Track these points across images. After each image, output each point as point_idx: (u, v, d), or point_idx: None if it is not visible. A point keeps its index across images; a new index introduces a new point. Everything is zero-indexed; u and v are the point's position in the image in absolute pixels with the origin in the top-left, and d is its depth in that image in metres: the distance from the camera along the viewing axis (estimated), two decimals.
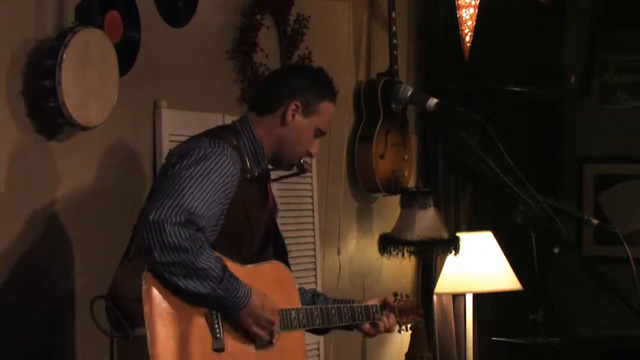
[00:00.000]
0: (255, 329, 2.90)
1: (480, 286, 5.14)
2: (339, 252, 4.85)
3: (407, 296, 3.51)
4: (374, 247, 4.95)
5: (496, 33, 5.09)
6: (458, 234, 5.05)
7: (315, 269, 4.59)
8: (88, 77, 3.19)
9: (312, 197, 4.60)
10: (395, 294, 3.47)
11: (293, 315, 3.06)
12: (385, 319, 3.34)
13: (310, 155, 3.12)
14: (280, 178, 3.39)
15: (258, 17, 4.17)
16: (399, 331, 3.44)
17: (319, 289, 4.55)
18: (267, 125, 3.05)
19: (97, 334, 2.88)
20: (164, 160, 3.04)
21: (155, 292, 2.75)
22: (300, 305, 3.14)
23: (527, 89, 5.36)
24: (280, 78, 3.13)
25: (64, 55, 3.08)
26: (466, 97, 5.19)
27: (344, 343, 4.76)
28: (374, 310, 3.34)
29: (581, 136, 6.64)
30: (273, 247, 3.16)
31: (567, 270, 6.21)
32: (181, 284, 2.74)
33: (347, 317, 3.26)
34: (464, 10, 5.08)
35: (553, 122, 6.51)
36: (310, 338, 4.28)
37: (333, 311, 3.22)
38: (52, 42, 3.12)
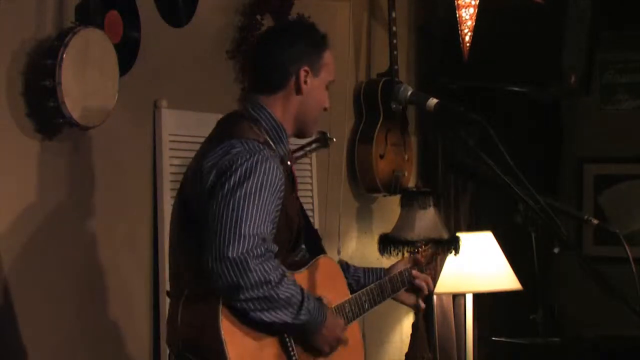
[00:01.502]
0: (327, 348, 2.87)
1: (480, 286, 5.14)
2: (339, 252, 4.85)
3: (425, 244, 3.50)
4: (374, 247, 4.95)
5: (496, 33, 5.09)
6: (458, 234, 5.05)
7: None
8: (88, 77, 3.19)
9: (312, 197, 4.60)
10: (416, 249, 3.45)
11: (347, 309, 3.03)
12: (421, 278, 3.30)
13: (325, 110, 3.00)
14: (305, 152, 3.28)
15: (258, 17, 4.18)
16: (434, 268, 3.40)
17: None
18: (284, 101, 2.90)
19: None
20: (192, 178, 2.81)
21: (234, 329, 2.67)
22: (349, 295, 3.10)
23: (527, 89, 5.36)
24: (276, 50, 2.91)
25: (64, 55, 3.08)
26: (466, 97, 5.19)
27: None
28: (407, 274, 3.30)
29: (581, 136, 6.64)
30: (306, 233, 3.06)
31: (567, 270, 6.21)
32: (265, 318, 2.68)
33: (388, 290, 3.22)
34: (463, 10, 5.08)
35: (553, 122, 6.51)
36: None
37: (376, 290, 3.18)
38: (52, 42, 3.13)
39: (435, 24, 5.39)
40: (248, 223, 2.63)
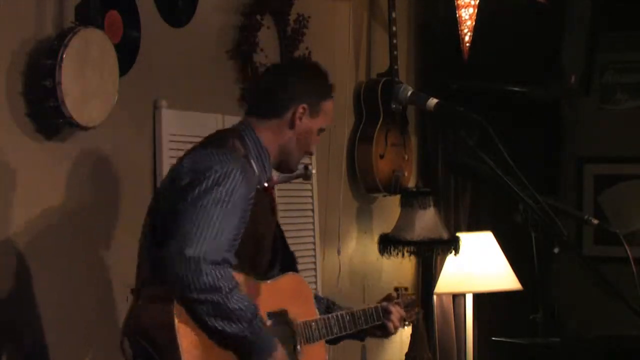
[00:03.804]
0: None
1: (480, 286, 5.14)
2: (339, 252, 4.85)
3: (406, 289, 3.52)
4: (374, 247, 4.95)
5: (496, 33, 5.09)
6: (458, 234, 5.05)
7: (315, 269, 4.59)
8: (88, 77, 3.19)
9: (312, 197, 4.60)
10: (397, 289, 3.48)
11: (313, 327, 3.06)
12: (395, 315, 3.34)
13: (309, 154, 3.08)
14: (284, 181, 3.35)
15: (258, 17, 4.18)
16: (404, 326, 3.45)
17: (319, 289, 4.56)
18: (274, 130, 2.96)
19: None
20: (169, 175, 2.90)
21: (188, 324, 2.69)
22: (318, 315, 3.13)
23: (527, 89, 5.36)
24: (282, 80, 3.00)
25: (64, 55, 3.08)
26: (466, 97, 5.19)
27: (344, 343, 4.76)
28: (382, 310, 3.34)
29: (581, 136, 6.64)
30: (282, 256, 3.11)
31: (567, 270, 6.21)
32: (210, 323, 2.69)
33: (360, 321, 3.26)
34: (463, 10, 5.08)
35: (553, 122, 6.51)
36: None
37: (348, 317, 3.22)
38: (52, 42, 3.12)
39: (435, 24, 5.39)
40: (211, 229, 2.68)
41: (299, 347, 2.98)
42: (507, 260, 5.20)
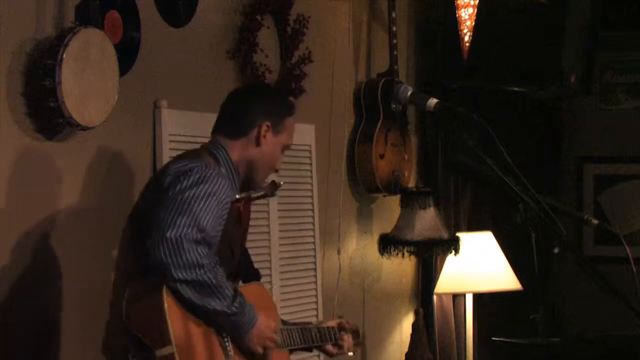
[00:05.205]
0: (260, 349, 2.98)
1: (480, 286, 5.14)
2: (339, 252, 4.85)
3: (347, 322, 3.62)
4: (374, 247, 4.95)
5: (496, 33, 5.09)
6: (458, 234, 5.05)
7: (315, 269, 4.60)
8: (88, 77, 3.19)
9: (312, 197, 4.60)
10: (341, 317, 3.60)
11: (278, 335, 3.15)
12: (346, 339, 3.48)
13: (275, 171, 3.21)
14: (252, 199, 3.41)
15: (258, 17, 4.17)
16: (349, 354, 3.58)
17: (319, 289, 4.56)
18: (241, 148, 3.11)
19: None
20: (152, 182, 3.05)
21: (177, 310, 2.79)
22: (282, 326, 3.26)
23: (527, 89, 5.36)
24: (247, 101, 3.17)
25: (64, 55, 3.08)
26: (466, 97, 5.19)
27: None
28: (334, 331, 3.47)
29: (581, 136, 6.64)
30: (246, 271, 3.24)
31: (567, 270, 6.21)
32: (198, 302, 2.80)
33: (316, 337, 3.40)
34: (463, 10, 5.09)
35: (553, 122, 6.51)
36: None
37: (306, 332, 3.36)
38: (52, 42, 3.13)
39: (435, 24, 5.39)
40: (193, 214, 2.80)
41: (268, 353, 3.06)
42: (507, 260, 5.20)
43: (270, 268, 4.27)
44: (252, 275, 3.27)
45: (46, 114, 3.14)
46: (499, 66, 5.12)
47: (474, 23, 5.06)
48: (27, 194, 3.21)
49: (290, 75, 4.39)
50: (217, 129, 3.16)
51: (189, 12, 3.86)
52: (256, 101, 3.16)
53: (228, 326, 2.90)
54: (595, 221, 3.36)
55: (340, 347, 3.47)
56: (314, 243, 4.60)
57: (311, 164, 4.59)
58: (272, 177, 3.28)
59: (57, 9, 3.26)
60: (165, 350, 2.76)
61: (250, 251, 3.95)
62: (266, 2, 4.22)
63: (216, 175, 2.91)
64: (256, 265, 4.15)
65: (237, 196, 3.06)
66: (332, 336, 3.46)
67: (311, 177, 4.59)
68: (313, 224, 4.61)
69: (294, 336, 3.28)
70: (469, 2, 5.07)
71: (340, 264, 4.85)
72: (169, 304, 2.77)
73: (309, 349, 3.48)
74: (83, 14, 3.25)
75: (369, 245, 5.07)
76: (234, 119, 3.14)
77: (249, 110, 3.13)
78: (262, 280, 4.20)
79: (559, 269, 6.27)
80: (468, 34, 5.07)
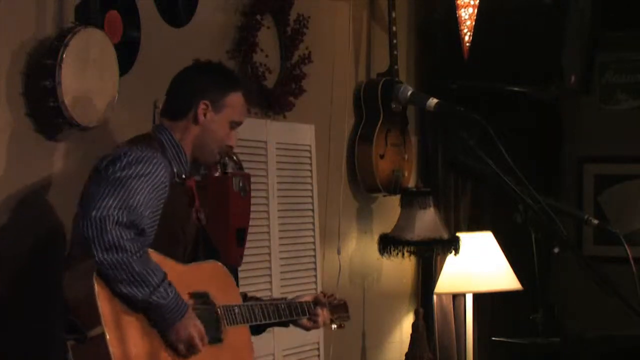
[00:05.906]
0: (182, 347, 2.89)
1: (480, 286, 5.14)
2: (339, 252, 4.85)
3: (330, 296, 3.61)
4: (374, 247, 4.95)
5: (496, 33, 5.09)
6: (458, 234, 5.05)
7: (315, 269, 4.60)
8: (88, 77, 3.19)
9: (312, 197, 4.60)
10: (323, 293, 3.59)
11: (236, 311, 3.12)
12: (320, 313, 3.46)
13: (229, 148, 3.19)
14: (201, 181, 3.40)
15: (258, 17, 4.18)
16: (331, 327, 3.58)
17: (319, 289, 4.56)
18: (183, 129, 3.09)
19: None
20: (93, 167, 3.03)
21: (107, 291, 2.75)
22: (242, 302, 3.20)
23: (527, 89, 5.36)
24: (184, 80, 3.15)
25: (64, 55, 3.08)
26: (466, 97, 5.19)
27: (344, 343, 4.77)
28: (308, 306, 3.45)
29: (581, 136, 6.63)
30: (204, 250, 3.17)
31: (567, 270, 6.20)
32: (117, 289, 2.75)
33: (285, 312, 3.36)
34: (463, 10, 5.09)
35: (553, 122, 6.51)
36: (309, 338, 4.28)
37: (272, 307, 3.31)
38: (52, 42, 3.13)
39: (435, 24, 5.39)
40: (121, 195, 2.80)
41: (222, 327, 3.02)
42: (507, 260, 5.20)
43: (270, 268, 4.27)
44: (211, 254, 3.19)
45: (46, 114, 3.14)
46: (499, 66, 5.12)
47: (474, 23, 5.07)
48: (27, 193, 3.20)
49: (290, 75, 4.39)
50: (162, 112, 3.17)
51: (189, 12, 3.86)
52: (194, 80, 3.13)
53: (152, 315, 2.83)
54: (595, 221, 3.36)
55: (315, 322, 3.45)
56: (314, 243, 4.61)
57: (311, 164, 4.59)
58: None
59: (57, 9, 3.26)
60: (95, 332, 2.72)
61: (251, 251, 3.97)
62: (266, 2, 4.22)
63: (151, 158, 2.90)
64: (256, 265, 4.19)
65: (183, 176, 3.05)
66: (306, 310, 3.43)
67: (311, 177, 4.59)
68: (313, 224, 4.61)
69: (256, 312, 3.21)
70: (469, 2, 5.08)
71: (340, 264, 4.85)
72: (99, 285, 2.73)
73: (284, 324, 3.43)
74: (83, 14, 3.25)
75: (369, 245, 5.07)
76: (174, 100, 3.13)
77: (187, 90, 3.11)
78: (262, 280, 4.23)
79: (559, 269, 6.27)
80: (468, 34, 5.07)
